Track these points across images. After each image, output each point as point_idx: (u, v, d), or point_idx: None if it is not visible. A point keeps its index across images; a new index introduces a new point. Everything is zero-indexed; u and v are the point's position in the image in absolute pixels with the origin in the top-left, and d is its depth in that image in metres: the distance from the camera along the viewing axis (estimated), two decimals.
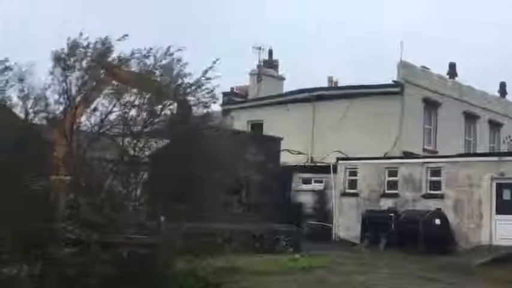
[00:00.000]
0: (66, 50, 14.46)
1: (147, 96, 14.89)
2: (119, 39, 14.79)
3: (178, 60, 15.45)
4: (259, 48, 35.18)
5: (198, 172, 16.96)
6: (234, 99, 35.64)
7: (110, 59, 14.78)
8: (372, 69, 47.25)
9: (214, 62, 14.85)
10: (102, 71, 14.80)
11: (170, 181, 16.23)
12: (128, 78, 15.09)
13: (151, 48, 15.00)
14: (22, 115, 14.46)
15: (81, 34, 14.47)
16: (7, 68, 13.98)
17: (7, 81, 14.03)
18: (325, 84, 34.48)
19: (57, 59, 14.51)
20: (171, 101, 15.51)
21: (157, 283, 10.99)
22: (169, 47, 15.07)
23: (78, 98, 14.47)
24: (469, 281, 16.66)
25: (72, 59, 14.54)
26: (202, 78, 15.30)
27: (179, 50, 15.12)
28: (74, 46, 14.57)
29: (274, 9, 66.06)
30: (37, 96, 14.42)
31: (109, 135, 14.62)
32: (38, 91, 14.53)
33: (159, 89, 15.25)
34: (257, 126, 32.61)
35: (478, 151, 31.37)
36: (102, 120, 14.40)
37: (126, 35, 14.75)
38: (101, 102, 15.07)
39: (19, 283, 10.03)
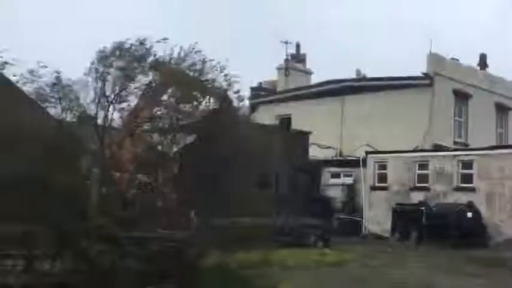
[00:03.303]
0: (109, 50, 14.61)
1: (178, 95, 15.00)
2: (158, 41, 14.91)
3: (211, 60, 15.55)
4: (286, 43, 35.09)
5: (229, 166, 16.99)
6: (262, 93, 35.58)
7: (149, 60, 14.90)
8: (401, 61, 46.65)
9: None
10: (159, 74, 14.89)
11: (199, 175, 16.27)
12: (181, 79, 15.21)
13: (193, 48, 15.07)
14: (58, 114, 14.65)
15: (127, 39, 14.61)
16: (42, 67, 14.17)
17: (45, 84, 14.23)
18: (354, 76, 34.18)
19: (100, 59, 14.68)
20: (212, 97, 15.59)
21: (189, 278, 11.00)
22: (193, 48, 15.16)
23: (141, 100, 14.61)
24: (504, 275, 16.39)
25: (111, 59, 14.70)
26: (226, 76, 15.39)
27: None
28: (117, 47, 14.73)
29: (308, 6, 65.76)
30: (73, 95, 14.60)
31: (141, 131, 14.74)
32: (73, 91, 14.72)
33: (204, 87, 15.34)
34: (285, 120, 32.50)
35: (510, 143, 30.87)
36: (135, 117, 14.52)
37: (166, 39, 14.89)
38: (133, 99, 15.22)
39: (52, 278, 10.12)
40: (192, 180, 17.01)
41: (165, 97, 15.78)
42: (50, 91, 14.56)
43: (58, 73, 14.52)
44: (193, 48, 15.53)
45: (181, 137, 17.50)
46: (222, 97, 16.21)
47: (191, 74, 15.74)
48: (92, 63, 14.67)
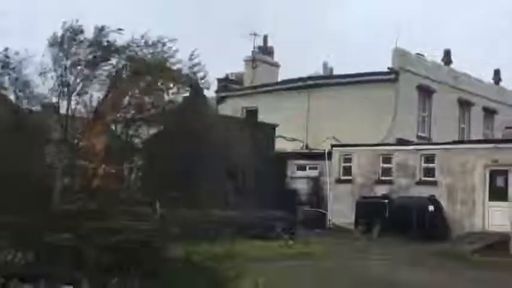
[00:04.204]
0: (61, 34, 14.37)
1: (145, 84, 14.91)
2: (115, 31, 14.76)
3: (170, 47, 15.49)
4: (255, 35, 35.17)
5: (194, 158, 16.95)
6: (229, 85, 35.55)
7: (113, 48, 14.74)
8: (367, 56, 46.96)
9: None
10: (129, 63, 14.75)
11: (165, 167, 16.20)
12: (150, 68, 15.11)
13: (160, 41, 14.97)
14: (17, 103, 14.39)
15: (77, 21, 14.40)
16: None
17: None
18: (320, 69, 34.34)
19: (53, 44, 14.43)
20: (181, 85, 15.53)
21: (153, 270, 10.97)
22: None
23: (115, 90, 14.47)
24: (464, 268, 16.71)
25: (67, 45, 14.47)
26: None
27: (171, 40, 15.17)
28: (70, 31, 14.50)
29: None
30: (31, 83, 14.36)
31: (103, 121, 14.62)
32: (32, 78, 14.47)
33: (173, 76, 15.26)
34: (252, 113, 32.54)
35: (472, 138, 31.39)
36: (96, 108, 14.38)
37: (121, 29, 14.75)
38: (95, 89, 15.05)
39: (12, 269, 10.00)
40: (157, 172, 16.94)
41: (132, 87, 15.68)
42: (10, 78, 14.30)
43: (7, 56, 14.20)
44: (160, 40, 15.47)
45: (147, 127, 17.42)
46: (193, 85, 16.18)
47: (159, 62, 15.65)
48: (51, 45, 14.40)
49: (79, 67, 14.78)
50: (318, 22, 63.14)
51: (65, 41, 14.73)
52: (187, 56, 16.25)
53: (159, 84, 15.72)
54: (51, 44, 14.50)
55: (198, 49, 16.22)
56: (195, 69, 16.17)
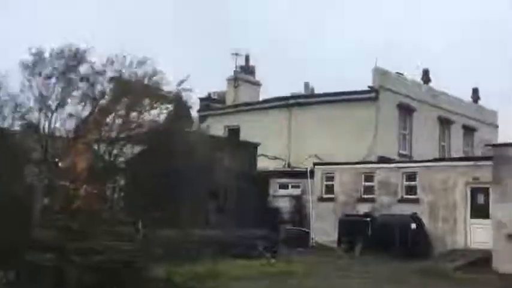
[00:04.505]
0: (31, 58, 14.38)
1: (125, 102, 14.91)
2: (87, 49, 14.79)
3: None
4: (236, 54, 35.38)
5: (176, 177, 16.87)
6: (212, 104, 35.66)
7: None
8: (349, 74, 47.42)
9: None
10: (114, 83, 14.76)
11: (148, 187, 16.11)
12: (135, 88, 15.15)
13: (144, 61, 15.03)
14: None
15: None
16: None
17: None
18: (302, 88, 34.54)
19: (25, 67, 14.43)
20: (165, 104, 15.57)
21: None
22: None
23: (98, 109, 14.45)
24: (446, 285, 16.75)
25: (38, 67, 14.47)
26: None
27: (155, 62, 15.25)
28: (39, 54, 14.51)
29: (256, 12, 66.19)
30: (10, 103, 14.29)
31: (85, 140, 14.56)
32: (11, 98, 14.41)
33: (158, 96, 15.29)
34: (234, 131, 32.62)
35: (452, 156, 31.65)
36: (77, 126, 14.33)
37: (92, 47, 14.79)
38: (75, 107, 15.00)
39: None
40: (140, 191, 16.84)
41: (116, 106, 15.67)
42: None
43: None
44: (145, 60, 15.54)
45: (131, 147, 17.37)
46: (177, 104, 16.24)
47: (143, 82, 15.69)
48: (26, 68, 14.41)
49: (57, 86, 14.75)
50: (300, 42, 63.55)
51: (42, 61, 14.74)
52: (171, 74, 16.32)
53: (143, 103, 15.73)
54: (25, 65, 14.50)
55: (189, 74, 16.36)
56: (180, 87, 16.22)
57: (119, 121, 15.35)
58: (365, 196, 25.68)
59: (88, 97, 15.31)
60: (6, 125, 14.59)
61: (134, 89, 15.52)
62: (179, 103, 17.22)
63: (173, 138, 17.64)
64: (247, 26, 61.98)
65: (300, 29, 66.27)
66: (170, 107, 17.24)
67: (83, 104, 15.31)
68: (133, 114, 15.76)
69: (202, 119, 33.59)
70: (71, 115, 15.02)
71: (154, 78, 15.75)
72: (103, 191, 14.94)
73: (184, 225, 16.15)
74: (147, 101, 16.41)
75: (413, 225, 23.17)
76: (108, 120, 15.28)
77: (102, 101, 15.13)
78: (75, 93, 15.43)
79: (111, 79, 14.85)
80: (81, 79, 15.22)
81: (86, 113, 15.16)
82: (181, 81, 16.26)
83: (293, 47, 61.98)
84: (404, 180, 24.92)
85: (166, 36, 58.55)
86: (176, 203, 17.88)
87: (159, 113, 16.93)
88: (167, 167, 17.04)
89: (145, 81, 15.77)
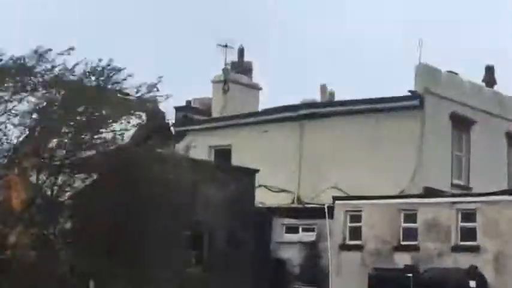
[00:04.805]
0: None
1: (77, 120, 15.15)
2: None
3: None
4: (226, 46, 35.19)
5: (141, 217, 17.02)
6: (192, 116, 35.61)
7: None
8: (380, 77, 47.41)
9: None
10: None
11: (103, 230, 16.26)
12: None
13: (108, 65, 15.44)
14: None
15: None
16: None
17: None
18: (317, 95, 34.66)
19: None
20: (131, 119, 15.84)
21: None
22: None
23: (40, 129, 14.73)
24: None
25: None
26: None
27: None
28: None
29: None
30: None
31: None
32: None
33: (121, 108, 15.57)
34: (223, 153, 32.65)
35: None
36: (13, 151, 14.61)
37: (50, 49, 15.16)
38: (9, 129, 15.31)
39: None
40: (91, 238, 16.97)
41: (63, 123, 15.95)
42: None
43: None
44: (108, 64, 15.92)
45: (81, 175, 17.53)
46: (151, 116, 16.56)
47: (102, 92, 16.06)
48: None
49: None
50: (313, 31, 63.87)
51: None
52: (139, 78, 16.68)
53: (100, 117, 16.00)
54: None
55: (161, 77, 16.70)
56: (150, 96, 16.52)
57: (66, 142, 15.57)
58: (405, 243, 25.78)
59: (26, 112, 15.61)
60: None
61: (89, 101, 15.80)
62: (153, 115, 17.48)
63: (140, 164, 17.80)
64: (243, 12, 62.33)
65: (312, 10, 66.64)
66: (140, 120, 17.50)
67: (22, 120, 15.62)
68: (87, 132, 16.01)
69: (178, 136, 33.70)
70: (7, 137, 15.33)
71: (117, 80, 16.07)
72: (42, 236, 15.11)
73: (153, 283, 16.29)
74: (108, 113, 16.67)
75: (473, 284, 23.28)
76: (52, 141, 15.51)
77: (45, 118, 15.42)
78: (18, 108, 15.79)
79: (55, 83, 15.15)
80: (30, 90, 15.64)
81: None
82: (152, 86, 16.53)
83: (304, 37, 62.21)
84: (460, 220, 25.03)
85: (135, 29, 58.81)
86: (141, 253, 17.98)
87: (123, 129, 17.17)
88: (130, 203, 17.19)
89: (107, 87, 16.08)
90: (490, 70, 33.98)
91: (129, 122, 18.14)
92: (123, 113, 16.93)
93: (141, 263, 15.99)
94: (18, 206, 13.95)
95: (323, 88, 34.63)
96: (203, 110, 36.27)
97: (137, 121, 18.01)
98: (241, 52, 36.21)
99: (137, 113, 17.89)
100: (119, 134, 17.56)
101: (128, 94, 17.15)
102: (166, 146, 20.67)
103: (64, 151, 15.81)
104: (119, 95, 16.48)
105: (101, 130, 16.49)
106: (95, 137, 16.45)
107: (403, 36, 51.69)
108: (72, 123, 16.02)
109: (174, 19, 61.74)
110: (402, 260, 25.28)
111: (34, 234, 14.26)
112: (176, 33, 62.10)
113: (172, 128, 27.98)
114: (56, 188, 15.35)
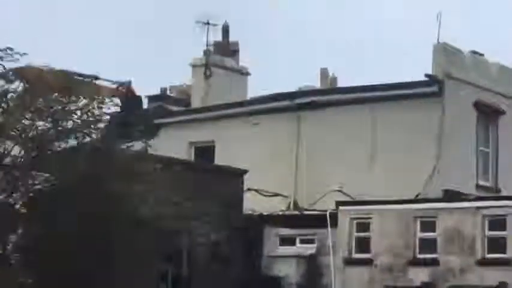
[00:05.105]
0: None
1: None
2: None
3: None
4: (208, 24, 35.15)
5: (108, 229, 16.97)
6: (168, 107, 35.60)
7: None
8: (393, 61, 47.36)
9: None
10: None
11: (61, 244, 16.20)
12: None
13: None
14: None
15: None
16: None
17: None
18: (317, 82, 34.63)
19: None
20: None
21: None
22: None
23: None
24: None
25: None
26: None
27: None
28: None
29: None
30: None
31: None
32: None
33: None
34: (205, 151, 32.65)
35: None
36: None
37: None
38: None
39: None
40: (48, 253, 16.91)
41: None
42: None
43: None
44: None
45: (32, 178, 17.48)
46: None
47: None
48: None
49: None
50: (313, 9, 63.90)
51: None
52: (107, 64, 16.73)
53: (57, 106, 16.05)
54: None
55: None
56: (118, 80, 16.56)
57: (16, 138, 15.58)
58: (422, 256, 25.81)
59: None
60: None
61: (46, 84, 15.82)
62: (126, 103, 17.45)
63: (104, 163, 17.74)
64: None
65: None
66: (109, 109, 17.42)
67: None
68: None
69: (151, 130, 33.61)
70: None
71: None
72: None
73: None
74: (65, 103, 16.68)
75: None
76: None
77: None
78: None
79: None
80: None
81: None
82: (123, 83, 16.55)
83: (303, 14, 62.29)
84: (487, 229, 25.04)
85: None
86: (107, 271, 17.93)
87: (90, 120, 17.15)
88: (94, 211, 17.14)
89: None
90: None
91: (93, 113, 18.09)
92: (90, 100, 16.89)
93: (106, 284, 15.92)
94: None
95: (324, 73, 34.65)
96: (181, 99, 36.29)
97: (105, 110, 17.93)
98: (226, 30, 36.17)
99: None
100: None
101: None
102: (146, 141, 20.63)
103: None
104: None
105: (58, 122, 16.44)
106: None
107: (421, 14, 51.96)
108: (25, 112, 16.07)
109: None
110: (418, 276, 25.34)
111: None
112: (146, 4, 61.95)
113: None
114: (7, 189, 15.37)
